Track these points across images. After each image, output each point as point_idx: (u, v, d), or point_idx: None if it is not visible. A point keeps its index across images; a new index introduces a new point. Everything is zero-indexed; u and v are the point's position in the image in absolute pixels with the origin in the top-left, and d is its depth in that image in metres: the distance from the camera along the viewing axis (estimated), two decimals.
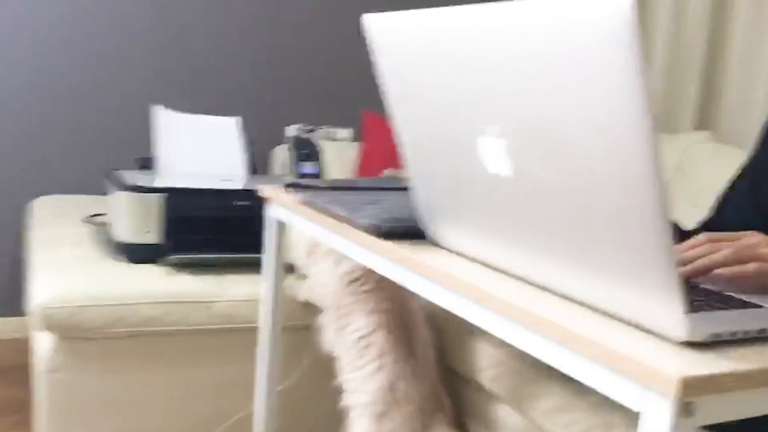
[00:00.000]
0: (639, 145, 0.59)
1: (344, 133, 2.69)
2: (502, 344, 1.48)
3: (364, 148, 2.51)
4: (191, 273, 1.70)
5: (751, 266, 0.79)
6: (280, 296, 1.43)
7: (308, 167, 2.13)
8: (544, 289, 0.79)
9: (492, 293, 0.77)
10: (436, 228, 0.95)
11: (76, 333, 1.54)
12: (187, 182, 1.80)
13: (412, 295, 1.55)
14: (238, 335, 1.68)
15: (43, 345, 1.57)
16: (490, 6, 0.71)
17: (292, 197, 1.23)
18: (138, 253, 1.73)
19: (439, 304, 0.88)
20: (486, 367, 1.46)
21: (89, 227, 2.00)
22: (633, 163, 0.60)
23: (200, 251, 1.74)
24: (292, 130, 2.59)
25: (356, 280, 1.51)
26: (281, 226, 1.39)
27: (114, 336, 1.57)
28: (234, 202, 1.79)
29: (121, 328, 1.56)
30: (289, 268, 1.71)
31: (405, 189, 1.25)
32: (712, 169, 1.90)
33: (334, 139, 2.63)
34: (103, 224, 1.98)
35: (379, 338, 1.46)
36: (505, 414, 1.39)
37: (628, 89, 0.58)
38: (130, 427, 1.61)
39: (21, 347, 2.32)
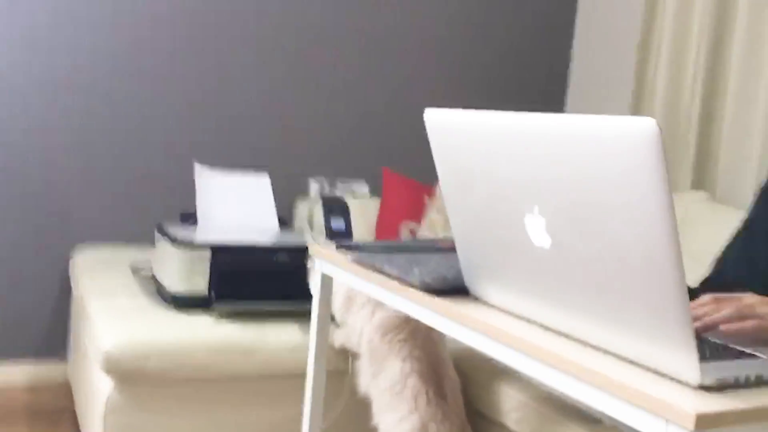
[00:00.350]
0: (662, 230, 0.76)
1: (363, 187, 2.87)
2: (526, 388, 1.63)
3: (384, 203, 2.68)
4: (236, 321, 1.85)
5: (749, 324, 0.96)
6: (326, 344, 1.58)
7: (338, 223, 2.30)
8: (577, 340, 0.95)
9: (535, 344, 0.94)
10: (478, 286, 1.12)
11: (137, 377, 1.69)
12: (230, 238, 1.97)
13: (442, 343, 1.71)
14: (280, 381, 1.83)
15: (102, 388, 1.72)
16: (537, 116, 0.89)
17: (341, 255, 1.40)
18: (187, 303, 1.89)
19: (483, 351, 1.04)
20: (511, 410, 1.61)
21: (135, 276, 2.16)
22: (657, 242, 0.77)
23: (244, 302, 1.90)
24: (316, 184, 2.77)
25: (391, 329, 1.67)
26: (326, 280, 1.55)
27: (171, 381, 1.72)
28: (274, 257, 1.96)
29: (179, 373, 1.71)
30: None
31: (444, 250, 1.42)
32: (711, 228, 2.08)
33: (353, 193, 2.81)
34: (149, 274, 2.14)
35: (413, 382, 1.61)
36: None
37: (653, 189, 0.75)
38: None
39: (60, 391, 2.46)
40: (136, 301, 1.92)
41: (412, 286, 1.19)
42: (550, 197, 0.90)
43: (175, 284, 1.89)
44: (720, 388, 0.81)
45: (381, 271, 1.27)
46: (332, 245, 1.49)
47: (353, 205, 2.67)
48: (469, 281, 1.14)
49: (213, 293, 1.89)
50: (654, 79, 2.66)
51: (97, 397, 1.75)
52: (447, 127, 1.06)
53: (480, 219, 1.05)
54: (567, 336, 0.97)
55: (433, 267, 1.24)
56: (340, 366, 1.87)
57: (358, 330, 1.73)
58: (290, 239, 2.05)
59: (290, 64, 2.80)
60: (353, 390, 1.79)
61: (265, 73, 2.75)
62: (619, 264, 0.83)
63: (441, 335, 1.71)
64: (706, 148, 2.53)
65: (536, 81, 3.20)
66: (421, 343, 1.68)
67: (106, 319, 1.78)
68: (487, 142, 0.98)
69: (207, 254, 1.89)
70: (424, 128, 3.00)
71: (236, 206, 2.27)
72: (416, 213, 2.67)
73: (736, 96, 2.39)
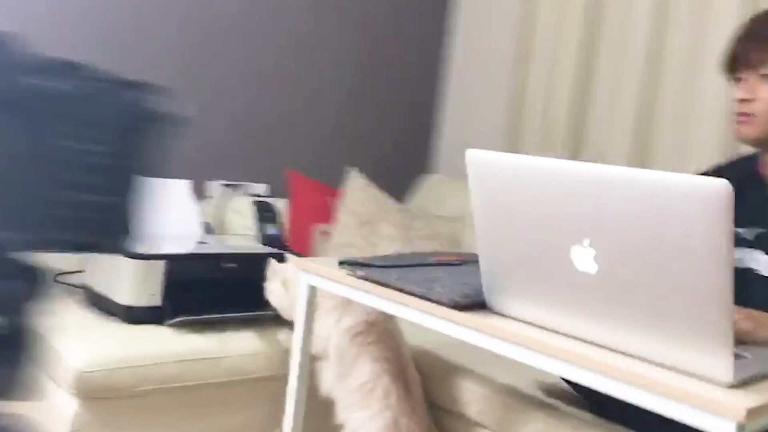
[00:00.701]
0: (719, 268, 0.97)
1: (261, 188, 2.92)
2: (484, 382, 1.83)
3: (294, 205, 2.76)
4: (193, 332, 1.88)
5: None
6: (308, 351, 1.67)
7: (273, 228, 2.35)
8: (614, 350, 1.15)
9: (579, 353, 1.12)
10: (501, 302, 1.29)
11: (107, 393, 1.68)
12: (183, 248, 1.98)
13: (405, 344, 1.86)
14: (242, 386, 1.89)
15: (64, 409, 1.69)
16: (589, 166, 1.07)
17: (331, 269, 1.51)
18: (141, 316, 1.88)
19: (515, 358, 1.21)
20: (471, 401, 1.80)
21: (61, 288, 2.09)
22: (714, 276, 0.98)
23: (199, 312, 1.93)
24: (216, 187, 2.79)
25: (361, 333, 1.79)
26: (312, 291, 1.64)
27: (140, 394, 1.73)
28: (223, 265, 2.00)
29: (147, 386, 1.72)
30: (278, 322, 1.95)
31: (443, 265, 1.57)
32: None
33: (252, 195, 2.86)
34: (82, 286, 2.08)
35: (384, 382, 1.75)
36: None
37: (718, 238, 0.95)
38: None
39: None
40: (82, 315, 1.88)
41: (440, 303, 1.33)
42: (603, 233, 1.08)
43: (127, 297, 1.88)
44: (742, 385, 1.04)
45: (401, 290, 1.39)
46: (329, 262, 1.59)
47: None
48: (491, 297, 1.30)
49: (169, 304, 1.90)
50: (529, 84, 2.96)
51: (57, 419, 1.71)
52: (488, 166, 1.21)
53: (516, 246, 1.21)
54: (604, 347, 1.16)
55: (451, 285, 1.38)
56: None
57: (324, 335, 1.83)
58: (244, 247, 2.10)
59: (184, 65, 2.77)
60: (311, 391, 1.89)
61: (160, 73, 2.71)
62: (669, 290, 1.03)
63: (402, 337, 1.86)
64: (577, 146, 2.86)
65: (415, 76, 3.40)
66: (389, 345, 1.81)
67: (65, 337, 1.74)
68: (535, 183, 1.14)
69: (161, 265, 1.89)
70: (320, 130, 3.11)
71: (162, 213, 2.26)
72: (324, 214, 2.78)
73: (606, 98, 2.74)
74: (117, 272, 1.90)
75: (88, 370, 1.65)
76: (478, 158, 1.22)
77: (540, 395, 1.75)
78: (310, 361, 1.90)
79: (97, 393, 1.67)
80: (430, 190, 3.09)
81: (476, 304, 1.32)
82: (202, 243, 2.12)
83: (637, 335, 1.10)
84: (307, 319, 1.65)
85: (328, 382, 1.84)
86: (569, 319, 1.19)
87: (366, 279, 1.46)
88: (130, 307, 1.87)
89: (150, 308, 1.88)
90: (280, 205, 2.77)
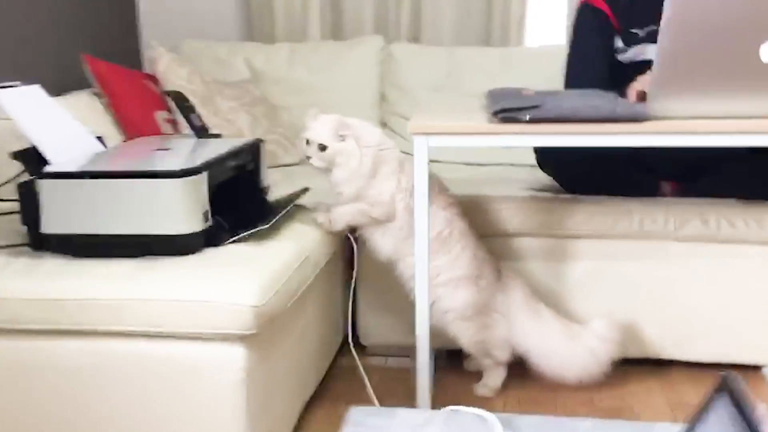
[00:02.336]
0: None
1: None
2: (509, 201, 2.07)
3: (114, 96, 2.34)
4: (249, 245, 1.67)
5: None
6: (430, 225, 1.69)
7: (196, 118, 1.98)
8: None
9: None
10: (667, 103, 1.55)
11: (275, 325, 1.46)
12: (197, 156, 1.66)
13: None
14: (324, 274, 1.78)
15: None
16: None
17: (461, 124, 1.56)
18: (195, 243, 1.58)
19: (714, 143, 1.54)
20: (511, 217, 2.03)
21: None
22: None
23: (245, 226, 1.70)
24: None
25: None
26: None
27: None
28: (231, 164, 1.75)
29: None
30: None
31: (550, 93, 1.72)
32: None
33: None
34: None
35: (458, 226, 1.88)
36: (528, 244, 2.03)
37: None
38: None
39: None
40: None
41: (616, 121, 1.54)
42: None
43: (179, 224, 1.55)
44: None
45: (577, 119, 1.55)
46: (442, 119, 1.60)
47: (82, 105, 2.26)
48: (659, 100, 1.55)
49: (219, 223, 1.63)
50: None
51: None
52: None
53: (705, 43, 1.48)
54: None
55: (594, 104, 1.59)
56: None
57: (387, 199, 1.82)
58: (231, 142, 1.83)
59: None
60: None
61: None
62: None
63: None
64: None
65: None
66: (447, 194, 1.91)
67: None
68: None
69: (205, 178, 1.59)
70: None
71: (58, 127, 1.78)
72: (148, 100, 2.43)
73: None
74: (155, 200, 1.53)
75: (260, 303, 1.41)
76: None
77: (549, 194, 2.09)
78: (365, 228, 1.88)
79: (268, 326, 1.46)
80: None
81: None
82: (163, 150, 1.77)
83: None
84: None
85: (392, 243, 1.86)
86: (746, 105, 1.54)
87: (538, 120, 1.56)
88: (182, 237, 1.55)
89: (203, 232, 1.59)
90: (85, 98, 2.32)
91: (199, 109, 2.44)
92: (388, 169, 1.86)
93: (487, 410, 1.11)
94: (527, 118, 1.56)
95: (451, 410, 1.15)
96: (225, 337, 1.42)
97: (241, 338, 1.43)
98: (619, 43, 2.18)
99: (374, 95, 2.80)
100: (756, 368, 2.03)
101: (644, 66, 2.17)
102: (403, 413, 1.17)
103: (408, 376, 1.97)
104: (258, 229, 1.65)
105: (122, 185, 1.53)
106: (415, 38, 2.97)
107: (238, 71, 2.86)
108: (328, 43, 2.91)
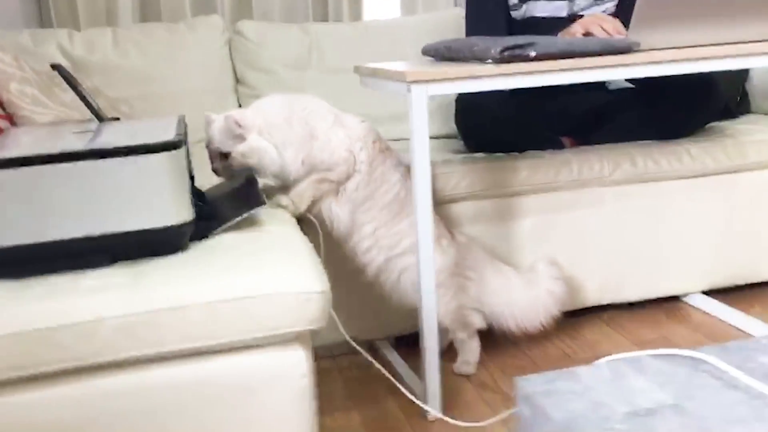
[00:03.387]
0: None
1: None
2: (454, 165, 1.95)
3: None
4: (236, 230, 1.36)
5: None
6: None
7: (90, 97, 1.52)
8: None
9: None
10: (649, 35, 1.56)
11: None
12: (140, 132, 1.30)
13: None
14: None
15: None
16: None
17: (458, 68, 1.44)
18: (180, 237, 1.24)
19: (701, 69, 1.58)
20: (460, 182, 1.92)
21: None
22: None
23: (227, 216, 1.38)
24: None
25: (377, 140, 1.68)
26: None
27: None
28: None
29: None
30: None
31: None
32: None
33: None
34: None
35: (407, 188, 1.73)
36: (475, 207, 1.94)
37: None
38: None
39: None
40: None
41: (620, 52, 1.51)
42: None
43: (168, 215, 1.20)
44: None
45: (579, 53, 1.48)
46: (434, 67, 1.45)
47: None
48: (641, 31, 1.55)
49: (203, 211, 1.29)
50: None
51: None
52: None
53: None
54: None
55: (582, 41, 1.55)
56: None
57: (343, 151, 1.62)
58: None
59: None
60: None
61: None
62: None
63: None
64: None
65: None
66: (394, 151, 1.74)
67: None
68: None
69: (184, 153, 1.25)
70: None
71: None
72: None
73: None
74: (133, 184, 1.16)
75: (326, 288, 1.13)
76: None
77: (482, 155, 2.01)
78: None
79: None
80: None
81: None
82: (81, 132, 1.37)
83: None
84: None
85: (348, 211, 1.66)
86: (726, 32, 1.59)
87: (543, 57, 1.46)
88: (173, 229, 1.20)
89: (193, 222, 1.25)
90: None
91: (43, 99, 1.98)
92: (325, 125, 1.64)
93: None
94: (533, 54, 1.46)
95: (650, 355, 1.00)
96: (282, 339, 1.12)
97: (298, 337, 1.14)
98: None
99: (229, 79, 2.48)
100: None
101: (535, 23, 2.20)
102: (583, 371, 1.00)
103: (371, 374, 1.77)
104: (251, 212, 1.34)
105: (83, 170, 1.14)
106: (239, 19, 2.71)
107: (51, 61, 2.35)
108: (158, 25, 2.52)
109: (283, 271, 1.13)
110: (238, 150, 1.55)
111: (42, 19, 2.64)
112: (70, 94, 2.09)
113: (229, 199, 1.42)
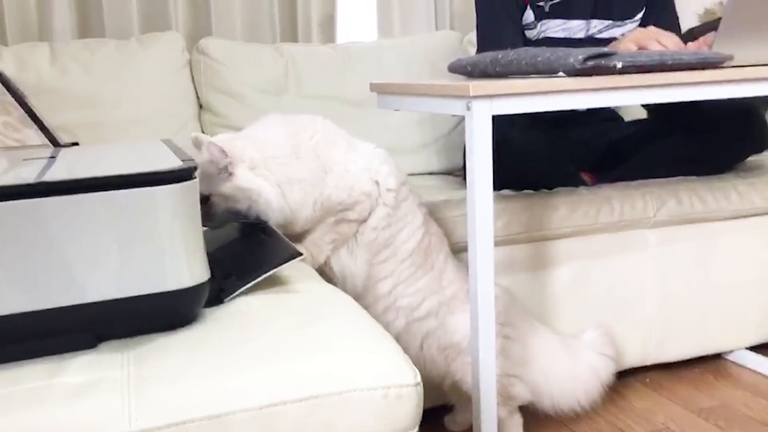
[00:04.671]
0: None
1: None
2: None
3: None
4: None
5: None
6: None
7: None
8: None
9: None
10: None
11: None
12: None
13: None
14: None
15: None
16: None
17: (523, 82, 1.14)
18: (195, 301, 0.88)
19: None
20: None
21: None
22: None
23: (249, 274, 1.02)
24: None
25: (404, 183, 1.38)
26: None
27: None
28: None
29: None
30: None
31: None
32: None
33: None
34: None
35: (434, 228, 1.44)
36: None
37: None
38: None
39: None
40: None
41: (713, 67, 1.25)
42: None
43: (180, 273, 0.84)
44: None
45: (669, 67, 1.21)
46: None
47: None
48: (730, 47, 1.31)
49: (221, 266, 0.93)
50: None
51: None
52: None
53: None
54: None
55: (670, 51, 1.28)
56: None
57: (365, 185, 1.29)
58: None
59: None
60: None
61: None
62: None
63: None
64: None
65: None
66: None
67: None
68: None
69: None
70: None
71: None
72: None
73: None
74: (131, 228, 0.80)
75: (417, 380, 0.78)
76: None
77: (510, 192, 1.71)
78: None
79: None
80: None
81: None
82: (36, 159, 0.99)
83: None
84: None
85: (364, 261, 1.33)
86: None
87: (630, 70, 1.18)
88: (185, 293, 0.84)
89: (208, 282, 0.89)
90: None
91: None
92: (339, 152, 1.32)
93: None
94: (620, 65, 1.18)
95: None
96: None
97: None
98: (530, 17, 1.91)
99: (191, 104, 2.11)
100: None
101: (549, 44, 1.94)
102: None
103: None
104: (271, 271, 0.99)
105: (50, 210, 0.77)
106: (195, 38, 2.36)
107: None
108: (104, 41, 2.14)
109: (354, 354, 0.78)
110: (219, 191, 1.19)
111: None
112: (2, 118, 1.69)
113: (241, 247, 1.06)
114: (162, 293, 0.81)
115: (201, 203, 1.18)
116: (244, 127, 1.36)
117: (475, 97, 1.13)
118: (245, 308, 0.91)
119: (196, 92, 2.13)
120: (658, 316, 1.76)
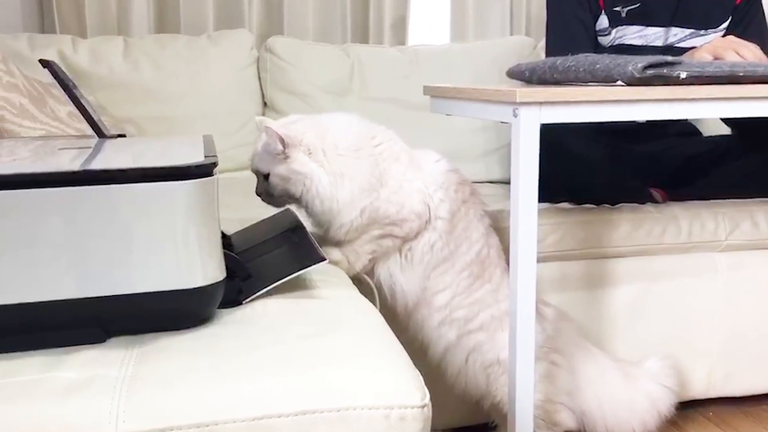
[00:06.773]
0: None
1: None
2: None
3: None
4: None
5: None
6: None
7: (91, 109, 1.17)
8: None
9: None
10: None
11: None
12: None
13: None
14: None
15: None
16: None
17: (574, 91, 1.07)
18: (210, 300, 0.86)
19: None
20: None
21: None
22: None
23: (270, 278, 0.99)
24: None
25: (460, 185, 1.32)
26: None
27: None
28: None
29: None
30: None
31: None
32: None
33: None
34: None
35: (494, 241, 1.36)
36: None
37: None
38: None
39: None
40: None
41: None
42: None
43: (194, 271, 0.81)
44: None
45: (743, 79, 1.12)
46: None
47: None
48: None
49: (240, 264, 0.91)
50: None
51: None
52: None
53: None
54: None
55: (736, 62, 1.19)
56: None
57: (417, 205, 1.25)
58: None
59: None
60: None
61: None
62: None
63: None
64: None
65: None
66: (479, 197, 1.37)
67: None
68: None
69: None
70: None
71: None
72: None
73: None
74: (146, 223, 0.78)
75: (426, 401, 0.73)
76: None
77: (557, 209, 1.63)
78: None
79: None
80: None
81: None
82: (73, 149, 0.99)
83: None
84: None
85: (419, 276, 1.29)
86: None
87: (694, 81, 1.09)
88: (198, 292, 0.82)
89: (223, 281, 0.86)
90: None
91: (32, 111, 1.61)
92: (400, 168, 1.27)
93: None
94: (683, 75, 1.09)
95: None
96: None
97: None
98: (604, 23, 1.82)
99: (255, 102, 2.12)
100: None
101: (625, 51, 1.85)
102: None
103: None
104: (291, 275, 0.95)
105: (69, 199, 0.75)
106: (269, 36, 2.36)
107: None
108: (176, 37, 2.17)
109: (359, 369, 0.74)
110: (277, 171, 1.19)
111: (44, 24, 2.30)
112: (68, 108, 1.73)
113: (269, 249, 1.04)
114: (173, 291, 0.79)
115: (263, 180, 1.19)
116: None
117: (523, 103, 1.07)
118: (261, 312, 0.88)
119: (262, 90, 2.14)
120: (726, 346, 1.64)
